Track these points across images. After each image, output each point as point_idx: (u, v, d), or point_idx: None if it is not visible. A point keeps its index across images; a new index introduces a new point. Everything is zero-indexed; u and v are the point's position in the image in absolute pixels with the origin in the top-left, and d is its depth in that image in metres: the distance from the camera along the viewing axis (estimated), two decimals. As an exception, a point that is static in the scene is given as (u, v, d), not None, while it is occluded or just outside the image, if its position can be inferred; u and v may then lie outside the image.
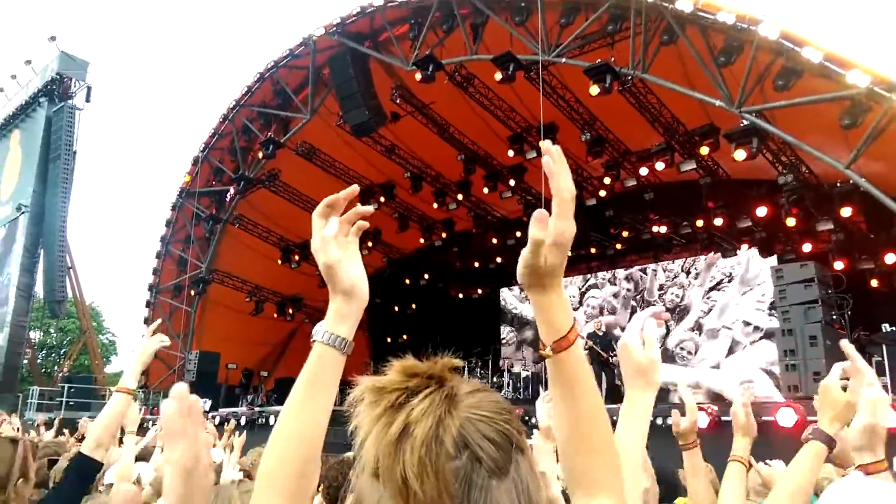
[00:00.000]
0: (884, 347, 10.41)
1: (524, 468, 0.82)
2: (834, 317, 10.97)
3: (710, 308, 16.36)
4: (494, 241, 19.83)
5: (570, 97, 14.14)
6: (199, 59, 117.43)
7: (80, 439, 5.81)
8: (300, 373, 1.09)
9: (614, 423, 1.17)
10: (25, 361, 27.06)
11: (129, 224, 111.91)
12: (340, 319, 1.12)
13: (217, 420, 14.59)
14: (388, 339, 22.61)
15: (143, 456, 4.94)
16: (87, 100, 25.29)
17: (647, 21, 11.19)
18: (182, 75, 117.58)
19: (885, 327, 11.22)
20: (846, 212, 12.29)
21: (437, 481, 0.74)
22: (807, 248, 14.01)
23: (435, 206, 18.52)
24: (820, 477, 3.38)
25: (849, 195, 11.95)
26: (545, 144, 1.04)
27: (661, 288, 17.65)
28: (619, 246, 18.32)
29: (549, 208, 1.05)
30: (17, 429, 7.97)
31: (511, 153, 15.77)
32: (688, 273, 17.09)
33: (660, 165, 14.10)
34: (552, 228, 1.01)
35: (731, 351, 15.58)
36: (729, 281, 16.06)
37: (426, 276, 22.08)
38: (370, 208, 1.23)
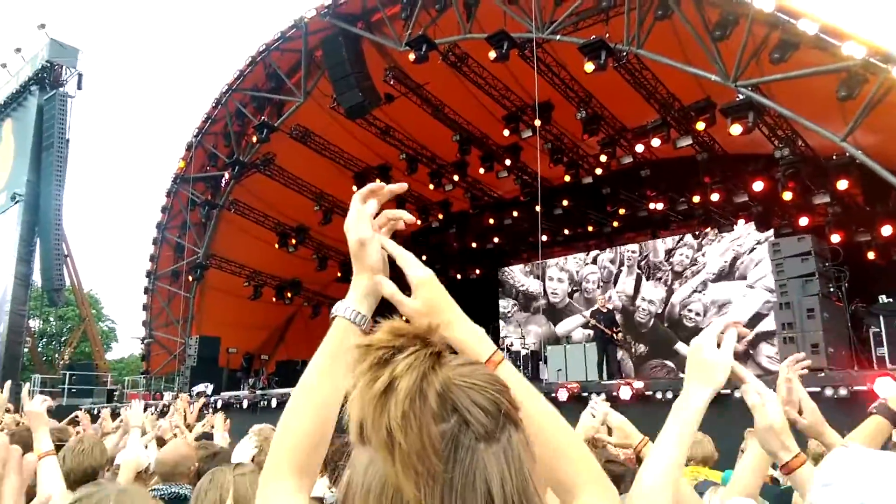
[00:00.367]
0: (881, 318, 10.49)
1: (517, 440, 0.82)
2: (831, 289, 11.01)
3: (722, 268, 16.61)
4: (491, 220, 19.83)
5: (565, 75, 14.06)
6: (190, 45, 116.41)
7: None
8: (319, 347, 1.11)
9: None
10: (26, 350, 27.10)
11: (125, 211, 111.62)
12: (364, 297, 1.16)
13: (220, 404, 14.68)
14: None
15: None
16: (79, 87, 25.07)
17: (642, -4, 11.10)
18: (174, 61, 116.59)
19: (882, 299, 11.28)
20: (842, 184, 12.30)
21: (420, 434, 0.75)
22: (804, 221, 14.04)
23: (431, 187, 18.47)
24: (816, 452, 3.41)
25: (845, 168, 11.95)
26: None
27: (668, 252, 17.88)
28: (616, 224, 18.32)
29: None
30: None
31: (506, 133, 15.69)
32: (696, 236, 17.41)
33: (656, 142, 14.06)
34: (411, 274, 1.12)
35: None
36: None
37: (423, 258, 21.44)
38: (404, 186, 1.28)
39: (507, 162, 17.17)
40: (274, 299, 20.96)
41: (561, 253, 19.83)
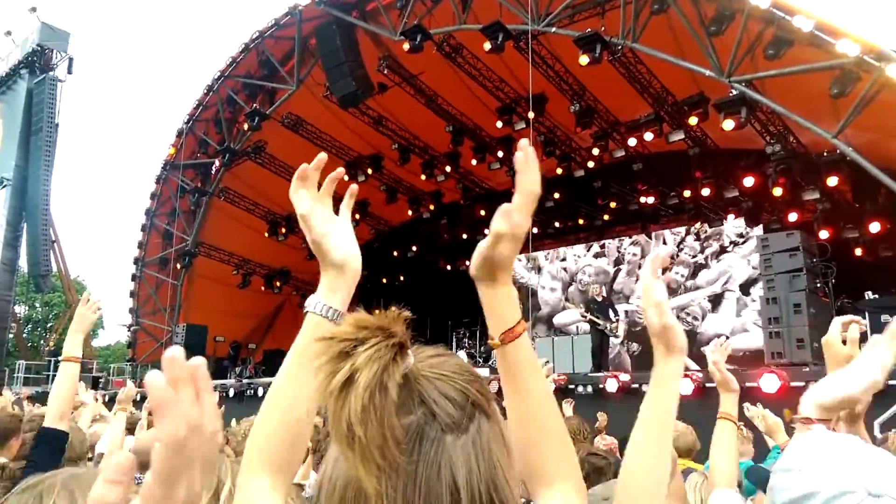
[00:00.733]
0: (867, 315, 10.59)
1: (487, 431, 0.81)
2: (818, 285, 11.11)
3: (721, 272, 16.50)
4: (483, 212, 19.78)
5: (559, 67, 14.05)
6: (183, 30, 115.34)
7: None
8: (293, 344, 1.10)
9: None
10: (11, 336, 26.86)
11: (113, 197, 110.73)
12: (332, 291, 1.13)
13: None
14: (377, 312, 22.59)
15: (130, 428, 4.96)
16: (70, 71, 24.74)
17: (638, -11, 11.11)
18: (166, 46, 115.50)
19: (869, 295, 11.41)
20: (832, 181, 12.38)
21: (381, 427, 0.74)
22: (793, 217, 14.14)
23: (423, 177, 18.44)
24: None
25: (836, 164, 12.03)
26: (523, 142, 1.05)
27: (672, 257, 17.66)
28: (606, 217, 18.37)
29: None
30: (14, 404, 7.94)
31: (499, 124, 15.68)
32: (697, 236, 17.16)
33: (648, 136, 14.09)
34: (514, 221, 1.02)
35: (738, 315, 15.83)
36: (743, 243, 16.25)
37: (414, 248, 22.06)
38: (340, 171, 1.22)
39: (500, 153, 17.15)
40: (262, 288, 20.89)
41: (551, 245, 19.85)
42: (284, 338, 20.98)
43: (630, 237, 18.43)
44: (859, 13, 9.81)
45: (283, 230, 19.47)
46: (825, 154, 12.08)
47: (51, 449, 2.46)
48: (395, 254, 22.21)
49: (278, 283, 21.05)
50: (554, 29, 12.00)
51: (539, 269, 19.99)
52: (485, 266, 1.05)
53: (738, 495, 2.21)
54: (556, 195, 17.85)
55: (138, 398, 6.08)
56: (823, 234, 13.35)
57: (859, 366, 1.40)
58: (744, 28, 10.09)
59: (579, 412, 5.73)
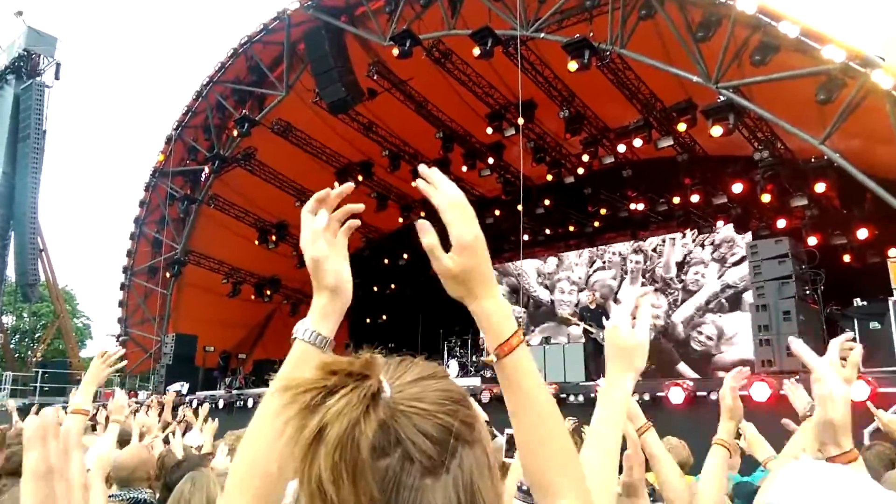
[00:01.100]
0: (855, 321, 10.59)
1: (469, 462, 0.78)
2: (807, 292, 11.12)
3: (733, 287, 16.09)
4: (473, 219, 19.77)
5: (548, 73, 14.08)
6: (171, 35, 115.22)
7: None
8: (278, 374, 1.05)
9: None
10: (-2, 346, 26.63)
11: (102, 205, 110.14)
12: (324, 317, 1.12)
13: (195, 403, 14.48)
14: (368, 320, 22.56)
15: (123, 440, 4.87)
16: (57, 77, 24.63)
17: (626, -5, 11.15)
18: (155, 52, 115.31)
19: (857, 302, 11.41)
20: (820, 187, 12.44)
21: (353, 486, 0.70)
22: (781, 223, 14.18)
23: (413, 184, 18.28)
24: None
25: (823, 171, 12.07)
26: (421, 168, 1.08)
27: (680, 266, 17.18)
28: (596, 223, 18.39)
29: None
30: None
31: (490, 130, 15.69)
32: (703, 246, 16.82)
33: (637, 142, 14.12)
34: (452, 236, 1.03)
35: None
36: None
37: (405, 256, 21.99)
38: (360, 206, 1.21)
39: (490, 160, 17.17)
40: (253, 297, 20.76)
41: (542, 252, 19.82)
42: (275, 347, 20.84)
43: (628, 242, 18.19)
44: (845, 19, 9.83)
45: (274, 238, 19.37)
46: (812, 160, 12.13)
47: None
48: (386, 261, 22.14)
49: (268, 292, 20.93)
50: (543, 34, 12.02)
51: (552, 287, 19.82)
52: (452, 284, 1.04)
53: None
54: (547, 202, 17.86)
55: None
56: (812, 241, 13.36)
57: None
58: (731, 34, 10.12)
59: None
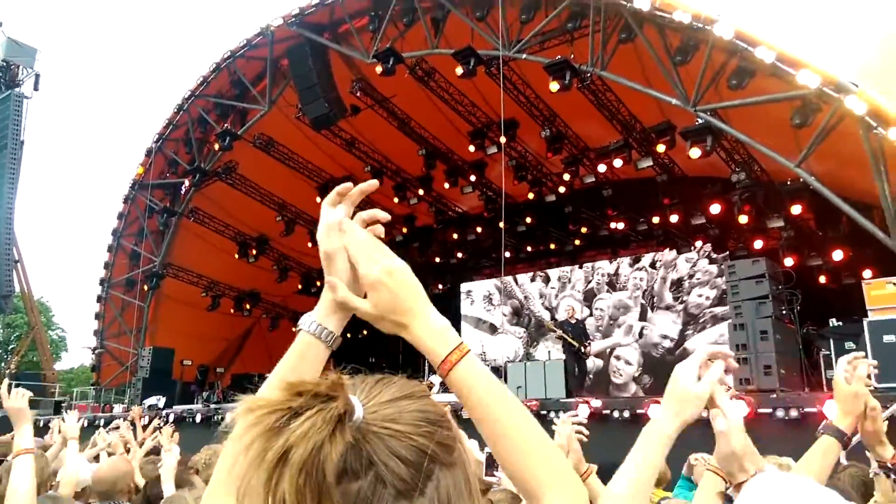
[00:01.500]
0: (831, 341, 10.75)
1: (446, 483, 0.76)
2: (784, 312, 11.27)
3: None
4: (455, 236, 19.84)
5: (530, 93, 14.22)
6: (153, 48, 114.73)
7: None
8: (280, 361, 1.06)
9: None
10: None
11: (79, 217, 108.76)
12: (331, 312, 1.09)
13: (171, 417, 14.28)
14: (349, 335, 22.28)
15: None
16: (36, 88, 24.51)
17: (606, 19, 11.31)
18: (136, 64, 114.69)
19: (833, 322, 11.59)
20: (796, 209, 12.64)
21: None
22: (758, 244, 14.38)
23: (396, 200, 18.43)
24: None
25: (799, 193, 12.28)
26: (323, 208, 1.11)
27: (675, 286, 16.62)
28: (577, 242, 18.52)
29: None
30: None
31: (472, 148, 15.77)
32: (712, 260, 16.08)
33: (618, 162, 14.26)
34: (362, 273, 1.03)
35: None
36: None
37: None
38: (386, 216, 1.19)
39: (472, 178, 17.25)
40: (232, 310, 20.59)
41: (524, 269, 19.87)
42: (254, 361, 20.66)
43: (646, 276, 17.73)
44: (820, 45, 10.07)
45: (254, 252, 19.27)
46: (789, 182, 12.34)
47: None
48: (368, 276, 22.06)
49: (248, 306, 20.77)
50: (525, 55, 12.15)
51: (509, 293, 19.89)
52: (379, 324, 1.04)
53: None
54: (528, 219, 17.96)
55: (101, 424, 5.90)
56: (788, 262, 13.56)
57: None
58: (708, 58, 10.31)
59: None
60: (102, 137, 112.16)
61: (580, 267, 18.69)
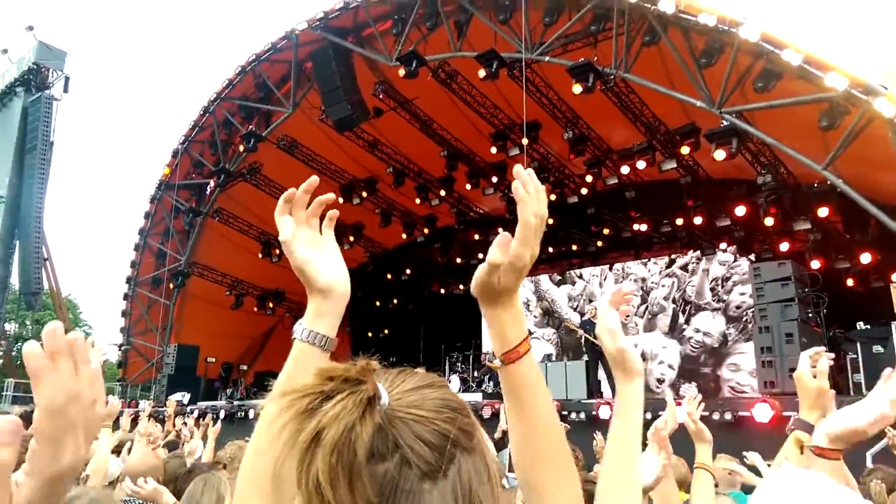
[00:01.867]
0: (858, 345, 10.62)
1: (467, 468, 0.79)
2: (810, 315, 11.15)
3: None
4: (476, 237, 19.85)
5: (553, 95, 14.18)
6: (179, 51, 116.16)
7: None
8: (279, 375, 1.08)
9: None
10: (0, 354, 26.64)
11: (107, 216, 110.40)
12: (319, 316, 1.12)
13: (196, 413, 14.49)
14: (370, 335, 22.59)
15: (117, 448, 4.92)
16: (65, 90, 24.83)
17: (630, 22, 11.25)
18: (162, 67, 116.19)
19: (860, 325, 11.42)
20: (823, 212, 12.46)
21: (350, 488, 0.72)
22: (784, 247, 14.19)
23: (417, 201, 18.50)
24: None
25: (826, 195, 12.11)
26: (517, 169, 1.05)
27: (714, 287, 16.48)
28: (599, 243, 18.42)
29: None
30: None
31: (494, 150, 15.77)
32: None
33: (641, 164, 14.16)
34: (511, 252, 1.03)
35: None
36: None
37: (408, 272, 22.07)
38: (331, 196, 1.19)
39: (494, 179, 17.24)
40: (255, 309, 20.81)
41: (545, 270, 19.83)
42: (276, 359, 20.69)
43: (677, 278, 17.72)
44: (848, 47, 9.94)
45: (277, 251, 19.41)
46: (815, 185, 12.18)
47: None
48: (389, 276, 22.20)
49: (271, 304, 20.98)
50: (547, 58, 12.13)
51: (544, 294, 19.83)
52: (483, 291, 1.06)
53: None
54: (550, 221, 17.65)
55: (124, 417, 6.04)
56: (815, 264, 13.39)
57: (870, 400, 1.45)
58: (734, 61, 10.22)
59: (573, 438, 5.71)
60: (130, 139, 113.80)
61: (610, 269, 18.62)
